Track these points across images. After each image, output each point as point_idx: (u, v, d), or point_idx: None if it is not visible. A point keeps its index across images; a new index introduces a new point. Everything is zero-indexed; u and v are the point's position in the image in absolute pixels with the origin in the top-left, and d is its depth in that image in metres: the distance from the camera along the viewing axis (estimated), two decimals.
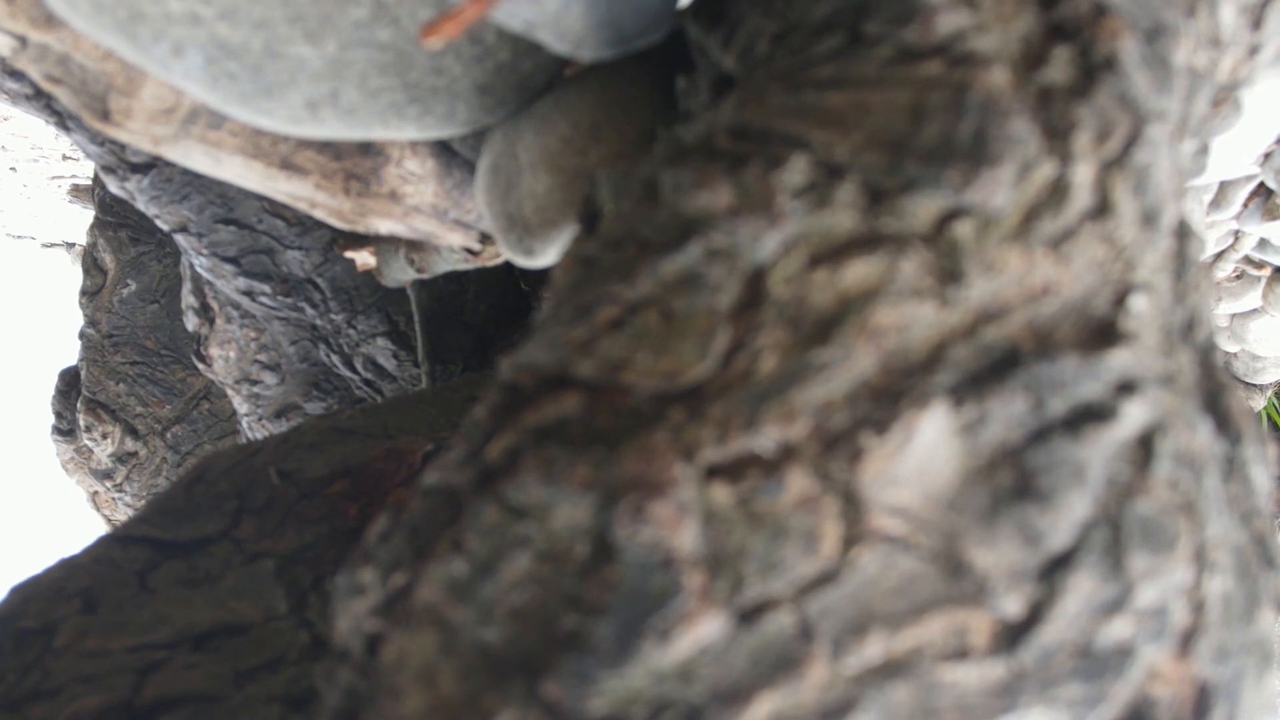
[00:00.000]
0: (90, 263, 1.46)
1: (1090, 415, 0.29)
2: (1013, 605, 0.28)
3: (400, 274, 0.87)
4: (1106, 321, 0.30)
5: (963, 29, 0.33)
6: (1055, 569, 0.28)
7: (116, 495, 1.40)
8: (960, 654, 0.27)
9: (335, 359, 1.11)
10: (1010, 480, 0.28)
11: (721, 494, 0.28)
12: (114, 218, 1.43)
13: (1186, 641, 0.29)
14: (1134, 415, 0.29)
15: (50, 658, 0.51)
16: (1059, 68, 0.32)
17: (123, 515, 1.44)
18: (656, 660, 0.27)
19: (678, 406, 0.29)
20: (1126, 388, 0.29)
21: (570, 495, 0.29)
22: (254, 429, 1.17)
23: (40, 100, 0.78)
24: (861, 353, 0.29)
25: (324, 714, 0.34)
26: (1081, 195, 0.31)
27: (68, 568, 0.57)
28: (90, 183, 1.90)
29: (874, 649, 0.27)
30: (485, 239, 0.78)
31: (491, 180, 0.58)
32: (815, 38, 0.36)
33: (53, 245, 3.17)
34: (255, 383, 1.13)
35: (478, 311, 1.05)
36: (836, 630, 0.27)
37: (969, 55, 0.32)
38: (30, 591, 0.55)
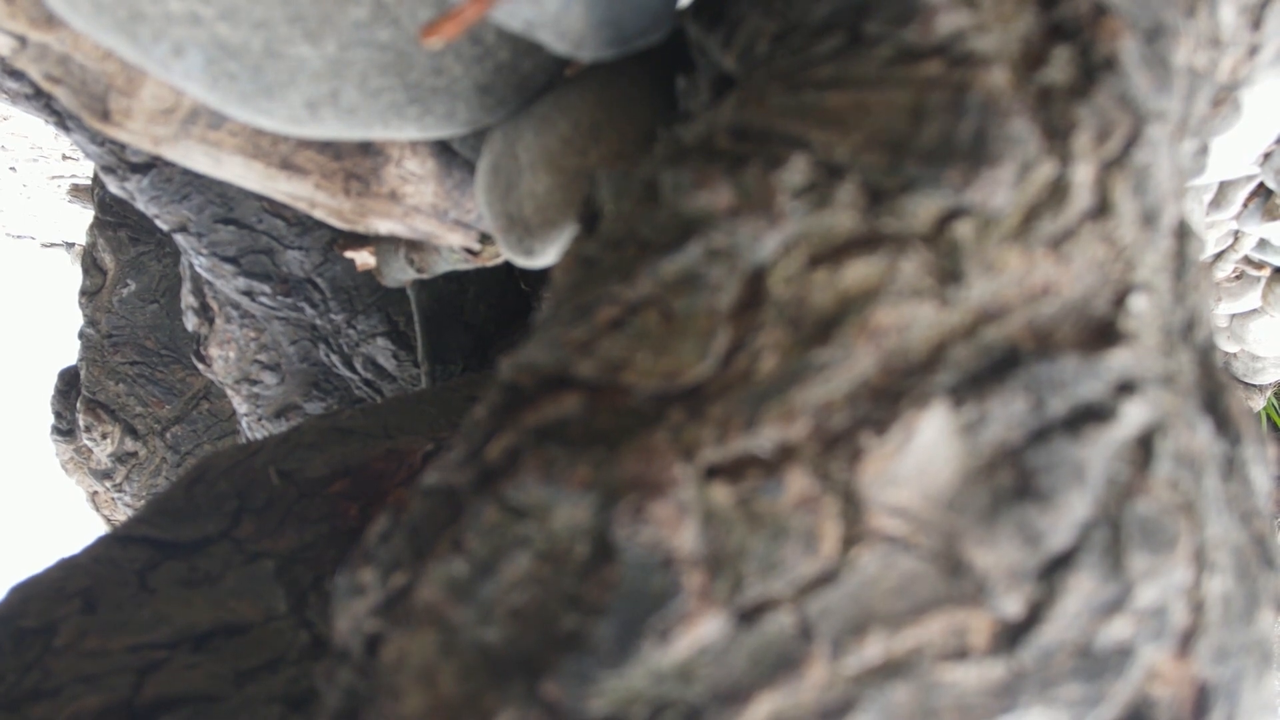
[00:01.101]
0: (90, 263, 1.46)
1: (1090, 415, 0.29)
2: (1013, 605, 0.28)
3: (400, 274, 0.87)
4: (1106, 321, 0.30)
5: (963, 29, 0.33)
6: (1055, 569, 0.28)
7: (116, 495, 1.40)
8: (960, 654, 0.27)
9: (335, 359, 1.11)
10: (1010, 480, 0.28)
11: (721, 494, 0.28)
12: (114, 217, 1.43)
13: (1186, 642, 0.29)
14: (1134, 415, 0.29)
15: (50, 657, 0.51)
16: (1059, 68, 0.32)
17: (122, 515, 1.44)
18: (656, 660, 0.27)
19: (678, 406, 0.29)
20: (1126, 388, 0.29)
21: (570, 495, 0.29)
22: (254, 429, 1.17)
23: (40, 100, 0.78)
24: (861, 353, 0.29)
25: (324, 714, 0.34)
26: (1081, 195, 0.31)
27: (68, 568, 0.57)
28: (90, 182, 1.90)
29: (874, 649, 0.27)
30: (485, 239, 0.78)
31: (491, 180, 0.57)
32: (815, 38, 0.36)
33: (52, 245, 3.17)
34: (255, 383, 1.13)
35: (478, 311, 1.05)
36: (836, 630, 0.27)
37: (969, 55, 0.32)
38: (30, 591, 0.55)
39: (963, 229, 0.30)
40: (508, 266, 0.91)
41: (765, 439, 0.28)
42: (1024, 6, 0.33)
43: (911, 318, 0.29)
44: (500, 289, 1.06)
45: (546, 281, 0.38)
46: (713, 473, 0.28)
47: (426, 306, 1.03)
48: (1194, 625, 0.30)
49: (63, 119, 0.82)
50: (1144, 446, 0.29)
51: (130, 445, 1.37)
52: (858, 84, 0.33)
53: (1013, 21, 0.33)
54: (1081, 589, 0.28)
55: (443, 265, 0.84)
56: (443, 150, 0.73)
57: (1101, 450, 0.29)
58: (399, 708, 0.30)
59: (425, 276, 0.87)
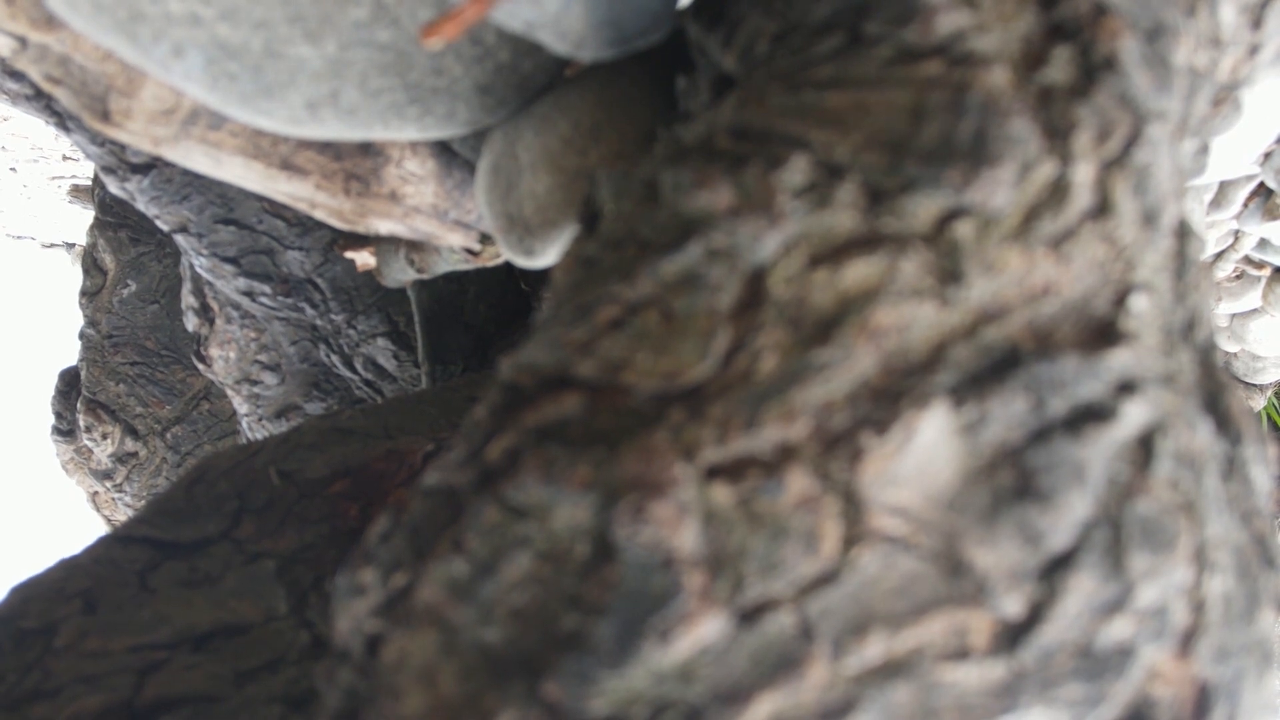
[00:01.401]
0: (90, 263, 1.46)
1: (1090, 415, 0.29)
2: (1013, 605, 0.28)
3: (400, 274, 0.88)
4: (1107, 321, 0.30)
5: (963, 29, 0.33)
6: (1055, 569, 0.28)
7: (116, 495, 1.40)
8: (961, 654, 0.27)
9: (335, 359, 1.11)
10: (1011, 480, 0.28)
11: (722, 494, 0.28)
12: (114, 218, 1.43)
13: (1187, 641, 0.29)
14: (1134, 415, 0.29)
15: (50, 658, 0.51)
16: (1059, 67, 0.32)
17: (123, 515, 1.44)
18: (657, 660, 0.27)
19: (678, 406, 0.29)
20: (1127, 388, 0.29)
21: (570, 495, 0.29)
22: (254, 429, 1.17)
23: (40, 101, 0.78)
24: (862, 353, 0.29)
25: (324, 714, 0.34)
26: (1082, 195, 0.31)
27: (68, 568, 0.57)
28: (90, 183, 1.90)
29: (874, 649, 0.27)
30: (485, 239, 0.78)
31: (492, 180, 0.58)
32: (815, 38, 0.36)
33: (53, 245, 3.17)
34: (255, 383, 1.13)
35: (478, 312, 1.05)
36: (837, 630, 0.27)
37: (969, 55, 0.32)
38: (30, 591, 0.55)
39: (963, 229, 0.30)
40: (508, 267, 0.91)
41: (765, 439, 0.28)
42: (1024, 6, 0.33)
43: (912, 318, 0.29)
44: (500, 289, 1.06)
45: (547, 282, 0.38)
46: (713, 473, 0.28)
47: (427, 307, 1.03)
48: (1195, 625, 0.30)
49: (63, 120, 0.82)
50: (1144, 446, 0.29)
51: (130, 445, 1.37)
52: (858, 84, 0.33)
53: (1013, 21, 0.33)
54: (1082, 589, 0.28)
55: (443, 265, 0.84)
56: (443, 150, 0.73)
57: (1102, 450, 0.29)
58: (399, 708, 0.30)
59: (425, 277, 0.87)
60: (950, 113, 0.31)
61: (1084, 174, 0.31)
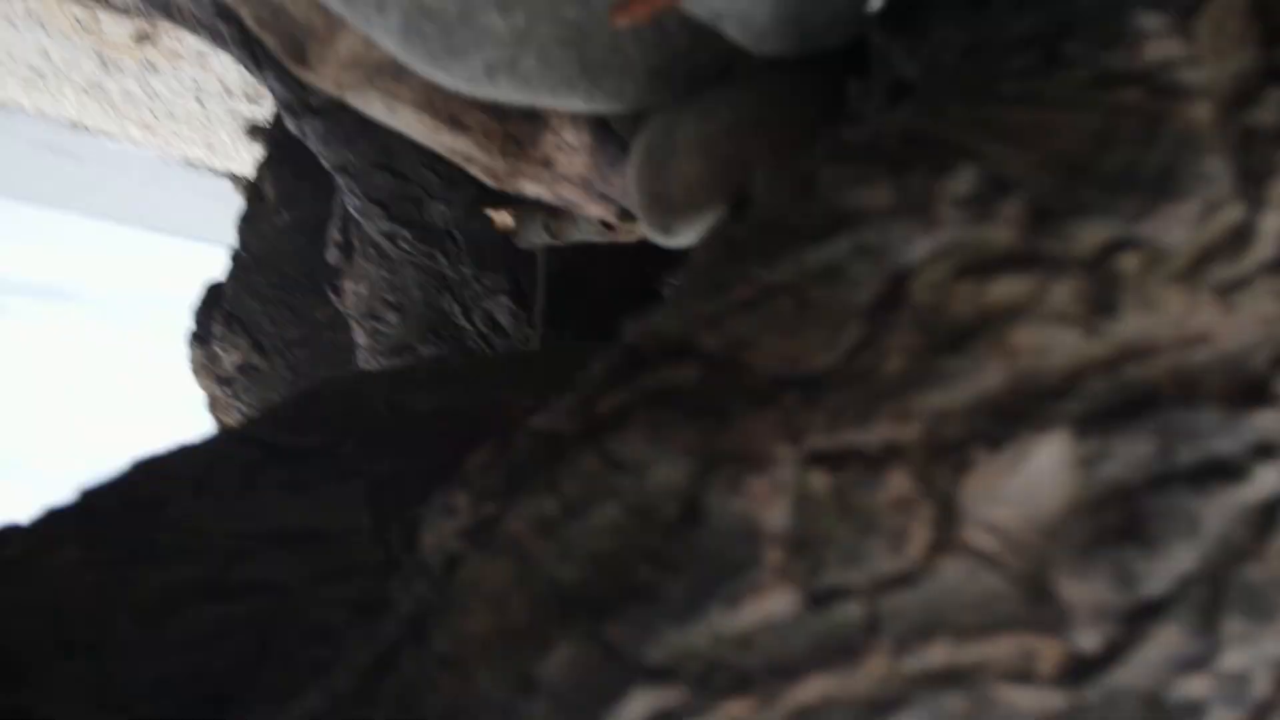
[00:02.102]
0: (254, 193, 1.56)
1: (1219, 471, 0.27)
2: (1090, 640, 0.26)
3: (535, 237, 0.90)
4: (1260, 380, 0.28)
5: (1172, 59, 0.31)
6: (1144, 615, 0.27)
7: (234, 402, 1.49)
8: (1023, 677, 0.26)
9: (456, 309, 1.15)
10: (1118, 519, 0.27)
11: (819, 481, 0.28)
12: (281, 153, 1.52)
13: (1263, 714, 0.28)
14: (1266, 480, 0.28)
15: (157, 529, 0.54)
16: (1269, 109, 0.30)
17: (235, 421, 1.52)
18: (720, 624, 0.27)
19: (794, 391, 0.29)
20: (1264, 451, 0.28)
21: (672, 457, 0.29)
22: (370, 362, 1.23)
23: (243, 40, 0.85)
24: (991, 368, 0.28)
25: (393, 617, 0.36)
26: (1265, 244, 0.29)
27: (186, 452, 0.61)
28: (265, 120, 2.03)
29: (937, 655, 0.26)
30: (624, 215, 0.80)
31: (645, 158, 0.59)
32: (1008, 54, 0.35)
33: (223, 174, 3.38)
34: (379, 319, 1.19)
35: (599, 288, 1.07)
36: (903, 630, 0.26)
37: (1174, 86, 0.30)
38: (150, 467, 0.59)
39: (1128, 261, 0.29)
40: (636, 250, 0.93)
41: (874, 436, 0.28)
42: (1244, 43, 0.31)
43: (1052, 341, 0.28)
44: (626, 271, 1.08)
45: (672, 268, 0.39)
46: (815, 459, 0.28)
47: (552, 274, 1.06)
48: (1275, 699, 0.28)
49: (258, 59, 0.89)
50: (1268, 513, 0.28)
51: (255, 360, 1.45)
52: (1044, 103, 0.32)
53: (1229, 57, 0.31)
54: (1167, 639, 0.26)
55: (577, 235, 0.87)
56: (600, 125, 0.75)
57: (1222, 508, 0.27)
58: (465, 624, 0.31)
59: (558, 244, 0.90)
60: (1140, 142, 0.30)
61: (1272, 223, 0.30)
